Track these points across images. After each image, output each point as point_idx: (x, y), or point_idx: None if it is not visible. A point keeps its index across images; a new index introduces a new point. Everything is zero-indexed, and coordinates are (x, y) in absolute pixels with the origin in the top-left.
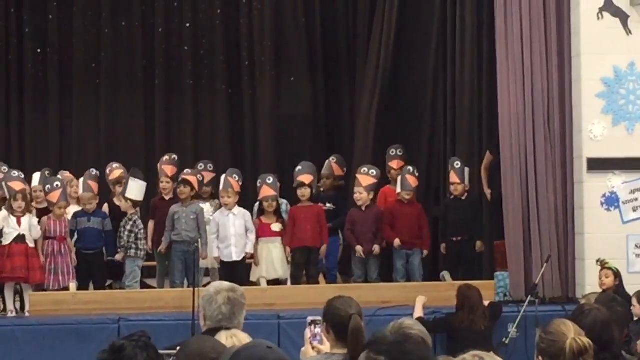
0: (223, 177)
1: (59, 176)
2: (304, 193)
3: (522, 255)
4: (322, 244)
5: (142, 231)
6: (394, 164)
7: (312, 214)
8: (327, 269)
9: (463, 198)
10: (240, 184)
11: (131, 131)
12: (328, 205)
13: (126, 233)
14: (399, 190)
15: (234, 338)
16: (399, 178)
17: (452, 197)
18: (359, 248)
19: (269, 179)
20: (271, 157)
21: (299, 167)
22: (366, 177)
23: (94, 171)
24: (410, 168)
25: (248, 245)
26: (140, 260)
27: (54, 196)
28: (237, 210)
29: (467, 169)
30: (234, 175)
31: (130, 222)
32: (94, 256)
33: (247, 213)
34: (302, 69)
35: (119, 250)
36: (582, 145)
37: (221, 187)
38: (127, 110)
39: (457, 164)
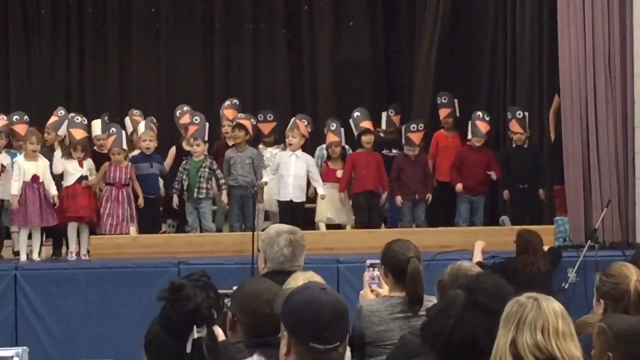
0: (292, 119)
1: (127, 117)
2: (369, 139)
3: (582, 199)
4: (383, 191)
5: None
6: (441, 113)
7: (373, 160)
8: (390, 213)
9: (525, 146)
10: (310, 130)
11: (191, 76)
12: (394, 151)
13: (205, 178)
14: (469, 136)
15: (316, 277)
16: (469, 124)
17: (515, 145)
18: (398, 198)
19: (333, 125)
20: (330, 102)
21: (357, 114)
22: (416, 134)
23: (153, 119)
24: (480, 113)
25: (319, 189)
26: None
27: (108, 142)
28: (300, 153)
29: (526, 115)
30: (303, 120)
31: (208, 169)
32: (156, 200)
33: (311, 158)
34: (361, 14)
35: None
36: None
37: (288, 127)
38: (187, 56)
39: (520, 114)
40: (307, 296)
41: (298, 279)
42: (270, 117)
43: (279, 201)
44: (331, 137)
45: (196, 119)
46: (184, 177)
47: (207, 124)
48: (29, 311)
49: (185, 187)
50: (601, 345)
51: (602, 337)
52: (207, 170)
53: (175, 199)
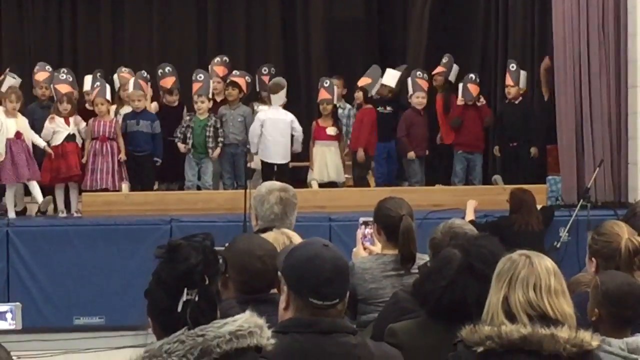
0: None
1: (115, 75)
2: (357, 96)
3: (575, 159)
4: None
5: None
6: (436, 69)
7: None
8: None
9: (516, 102)
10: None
11: (183, 34)
12: (389, 108)
13: (212, 136)
14: (460, 97)
15: (283, 236)
16: (460, 85)
17: (507, 101)
18: (411, 154)
19: (326, 82)
20: (323, 61)
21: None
22: (423, 81)
23: (144, 73)
24: (472, 75)
25: (295, 145)
26: None
27: (93, 95)
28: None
29: (522, 72)
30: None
31: (213, 127)
32: (144, 158)
33: (290, 115)
34: None
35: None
36: (636, 49)
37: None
38: (180, 13)
39: (513, 67)
40: (309, 252)
41: (269, 237)
42: (273, 70)
43: (264, 162)
44: (323, 94)
45: (200, 77)
46: (189, 134)
47: (210, 81)
48: (21, 268)
49: (190, 144)
50: (592, 300)
51: (594, 291)
52: (212, 128)
53: (181, 146)
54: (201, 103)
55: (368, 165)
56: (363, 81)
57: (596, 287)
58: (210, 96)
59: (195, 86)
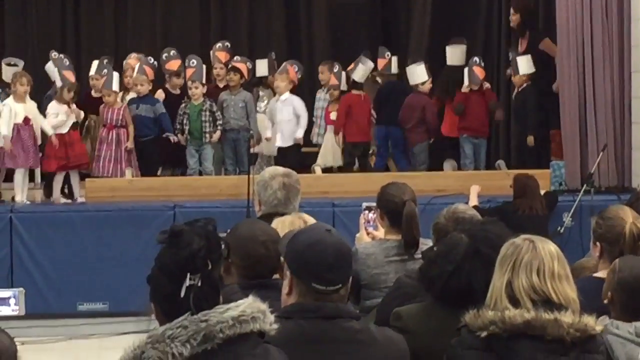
0: (283, 64)
1: (125, 60)
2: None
3: (578, 144)
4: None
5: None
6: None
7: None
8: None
9: (520, 89)
10: (299, 75)
11: (186, 19)
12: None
13: (208, 120)
14: (466, 82)
15: (300, 220)
16: (466, 70)
17: (513, 88)
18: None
19: (335, 68)
20: (326, 46)
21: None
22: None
23: (151, 59)
24: (477, 59)
25: (298, 131)
26: None
27: (100, 84)
28: (285, 96)
29: (521, 58)
30: (294, 65)
31: (208, 111)
32: (146, 143)
33: (297, 99)
34: None
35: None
36: (639, 34)
37: (278, 71)
38: None
39: (510, 56)
40: (312, 237)
41: (285, 221)
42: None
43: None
44: (331, 79)
45: (193, 62)
46: (185, 121)
47: (204, 67)
48: (24, 253)
49: (187, 131)
50: (608, 283)
51: (611, 275)
52: (208, 113)
53: (181, 138)
54: (195, 89)
55: (355, 151)
56: (349, 67)
57: (613, 271)
58: (203, 81)
59: (189, 72)
